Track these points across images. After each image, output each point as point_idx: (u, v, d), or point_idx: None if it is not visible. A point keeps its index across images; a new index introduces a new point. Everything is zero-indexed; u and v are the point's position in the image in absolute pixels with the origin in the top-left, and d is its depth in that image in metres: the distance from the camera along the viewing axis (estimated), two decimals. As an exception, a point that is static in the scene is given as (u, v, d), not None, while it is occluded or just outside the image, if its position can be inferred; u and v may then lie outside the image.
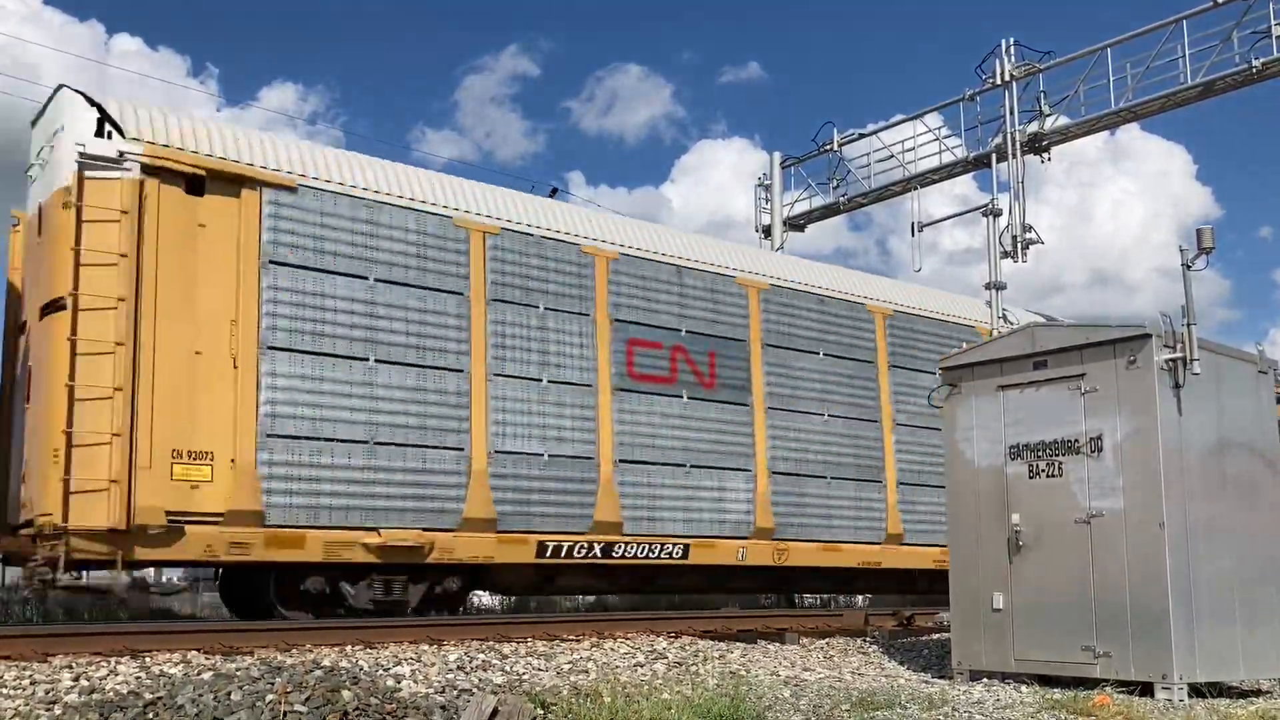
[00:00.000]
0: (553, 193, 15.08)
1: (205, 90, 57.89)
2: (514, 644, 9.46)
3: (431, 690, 6.70)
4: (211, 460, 10.52)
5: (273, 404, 10.85)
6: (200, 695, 5.87)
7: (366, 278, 11.62)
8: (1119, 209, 58.72)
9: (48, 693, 6.11)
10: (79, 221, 10.26)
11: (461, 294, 12.22)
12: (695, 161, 63.79)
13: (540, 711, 6.01)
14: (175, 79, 53.26)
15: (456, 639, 9.57)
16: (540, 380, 12.58)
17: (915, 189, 20.45)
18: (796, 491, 14.55)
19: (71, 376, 10.04)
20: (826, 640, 11.21)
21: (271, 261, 11.03)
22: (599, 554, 12.79)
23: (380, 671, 7.13)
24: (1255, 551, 8.84)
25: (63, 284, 10.20)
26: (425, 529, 11.55)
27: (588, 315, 13.15)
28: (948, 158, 20.51)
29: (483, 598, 17.30)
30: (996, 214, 18.95)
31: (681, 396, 13.73)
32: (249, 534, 10.62)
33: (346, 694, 6.04)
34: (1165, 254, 68.23)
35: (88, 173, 10.35)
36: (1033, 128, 19.05)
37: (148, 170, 10.53)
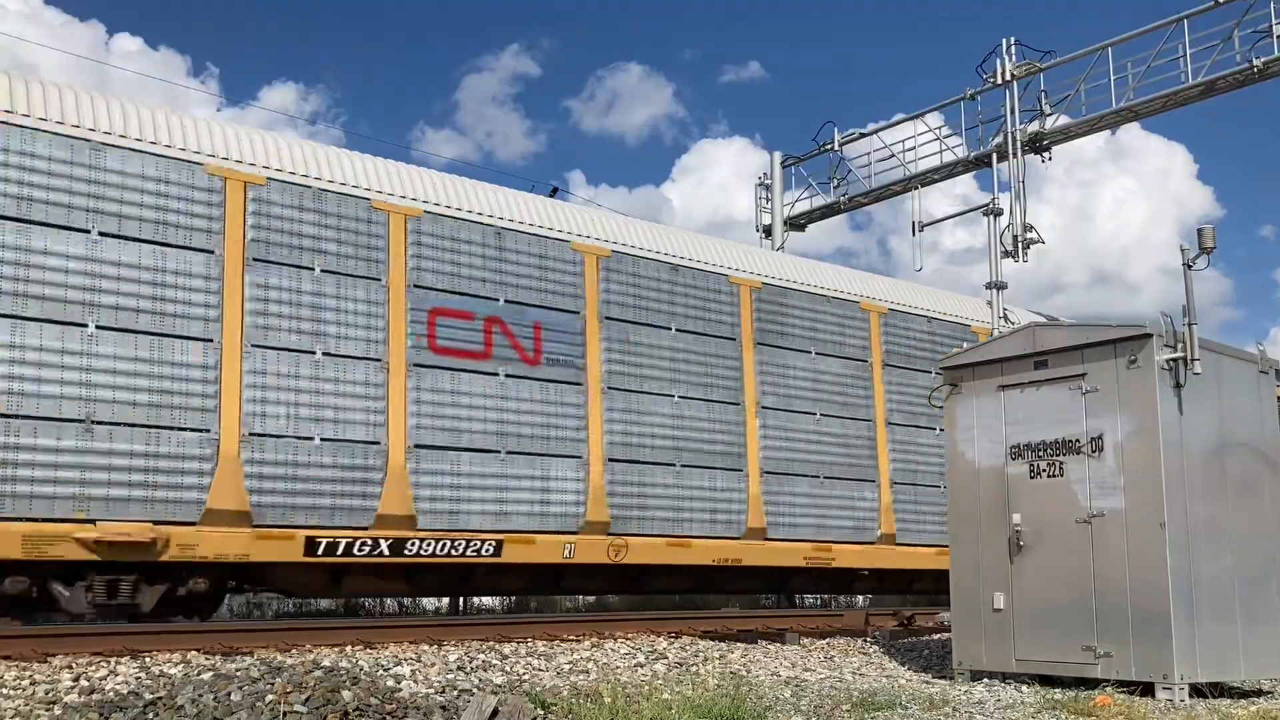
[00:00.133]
0: (553, 192, 15.08)
1: (205, 90, 57.84)
2: (514, 644, 9.46)
3: (432, 690, 6.69)
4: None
5: (-50, 376, 9.43)
6: (200, 695, 5.86)
7: (88, 230, 10.17)
8: (1120, 208, 58.67)
9: (48, 693, 6.11)
10: None
11: (213, 252, 10.75)
12: (696, 161, 63.75)
13: (540, 712, 6.00)
14: (176, 79, 53.21)
15: (457, 639, 9.57)
16: (313, 353, 11.09)
17: (916, 188, 20.43)
18: (638, 481, 13.10)
19: None
20: (827, 640, 11.21)
21: None
22: (386, 551, 11.27)
23: (380, 671, 7.12)
24: (1256, 551, 8.83)
25: None
26: (158, 522, 10.10)
27: (379, 280, 11.63)
28: (948, 157, 20.49)
29: (483, 599, 17.24)
30: (997, 213, 18.93)
31: (498, 374, 12.28)
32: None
33: (346, 694, 6.03)
34: (1166, 253, 68.16)
35: None
36: (1033, 127, 19.03)
37: None
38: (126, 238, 10.38)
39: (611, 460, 12.96)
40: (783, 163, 23.04)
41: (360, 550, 11.12)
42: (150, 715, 5.61)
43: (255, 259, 10.99)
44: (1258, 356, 9.27)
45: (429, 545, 11.52)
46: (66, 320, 9.97)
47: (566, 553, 12.49)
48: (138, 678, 6.55)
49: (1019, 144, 18.91)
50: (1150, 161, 59.52)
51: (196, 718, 5.60)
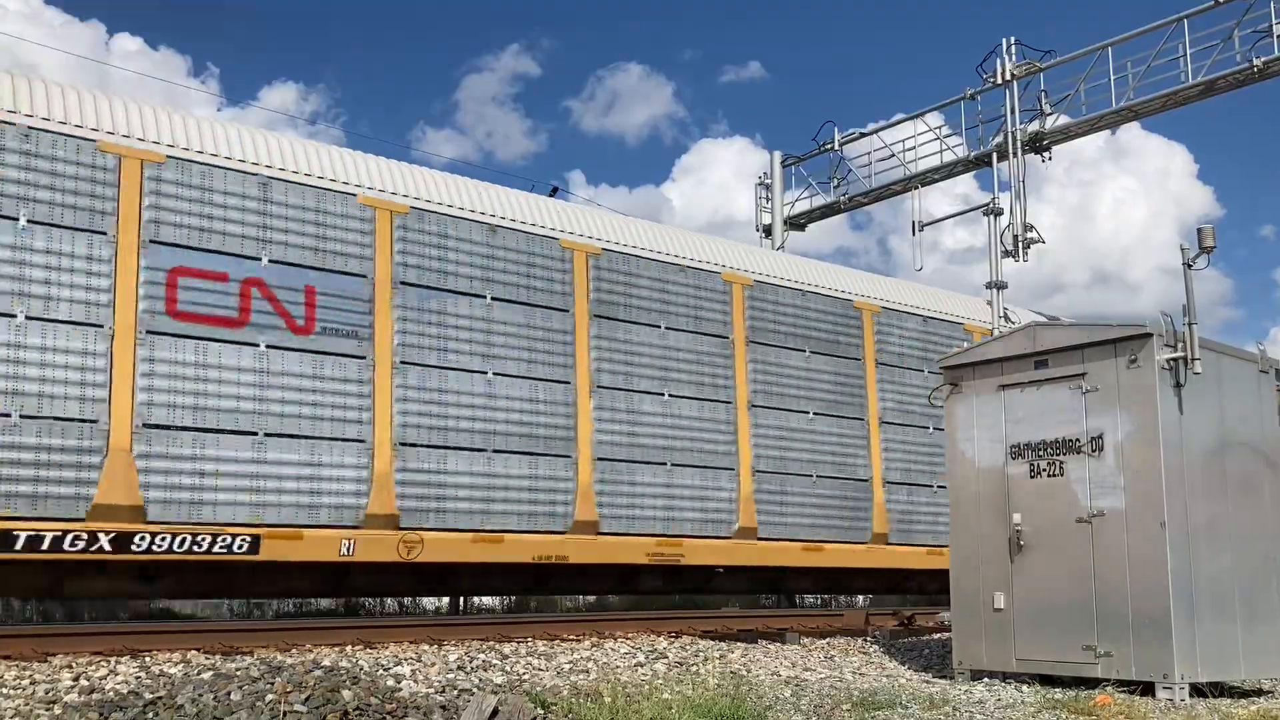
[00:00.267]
0: (553, 192, 15.05)
1: (206, 90, 57.83)
2: (514, 644, 9.46)
3: (432, 690, 6.69)
4: None
5: None
6: (200, 695, 5.86)
7: None
8: (1120, 208, 58.66)
9: (48, 692, 6.11)
10: None
11: None
12: (696, 161, 63.75)
13: (541, 711, 6.00)
14: (176, 79, 53.21)
15: (457, 639, 9.57)
16: (13, 316, 9.67)
17: (916, 188, 20.42)
18: (437, 469, 11.59)
19: None
20: (827, 640, 11.21)
21: None
22: (107, 547, 9.74)
23: (380, 671, 7.12)
24: (1256, 551, 8.83)
25: None
26: None
27: (104, 234, 10.20)
28: (949, 157, 20.48)
29: (483, 598, 17.23)
30: (997, 213, 18.93)
31: (257, 345, 10.77)
32: None
33: (346, 694, 6.03)
34: (1166, 253, 68.14)
35: None
36: (1034, 127, 19.02)
37: None
38: None
39: (404, 445, 11.41)
40: (783, 162, 23.03)
41: (73, 546, 9.62)
42: (150, 715, 5.61)
43: None
44: (1258, 356, 9.27)
45: (163, 541, 9.98)
46: None
47: (345, 550, 10.91)
48: (138, 677, 6.55)
49: (1019, 144, 18.90)
50: (1150, 161, 59.54)
51: (196, 717, 5.60)
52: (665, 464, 13.32)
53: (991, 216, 18.97)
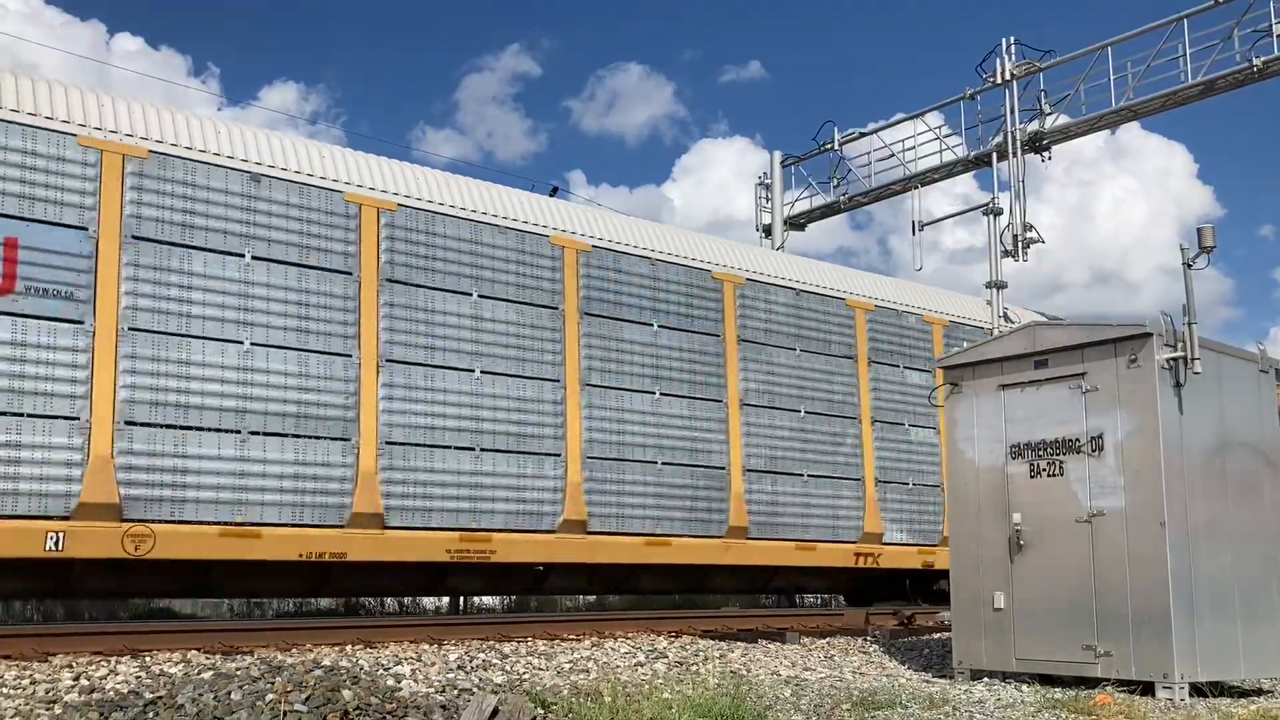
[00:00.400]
0: (553, 192, 15.05)
1: (206, 90, 57.82)
2: (514, 643, 9.46)
3: (432, 690, 6.69)
4: None
5: None
6: (200, 695, 5.86)
7: None
8: (1120, 208, 58.64)
9: (48, 692, 6.11)
10: None
11: None
12: (696, 161, 63.72)
13: (541, 711, 6.00)
14: (177, 79, 53.19)
15: (457, 638, 9.57)
16: None
17: (916, 188, 20.43)
18: (177, 453, 10.12)
19: None
20: (827, 640, 11.21)
21: None
22: None
23: (380, 671, 7.12)
24: (1256, 550, 8.83)
25: None
26: None
27: None
28: (948, 156, 20.48)
29: (483, 599, 17.19)
30: (997, 213, 18.94)
31: None
32: None
33: (346, 693, 6.03)
34: (1166, 253, 68.08)
35: None
36: (1033, 126, 19.02)
37: None
38: None
39: (131, 424, 9.96)
40: (783, 162, 23.04)
41: None
42: (150, 714, 5.61)
43: None
44: (1258, 356, 9.27)
45: None
46: None
47: (51, 544, 9.51)
48: (138, 677, 6.55)
49: (1019, 143, 18.90)
50: (1150, 161, 59.53)
51: (197, 717, 5.60)
52: (473, 449, 11.72)
53: (991, 216, 18.98)
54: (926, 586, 16.35)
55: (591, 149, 65.16)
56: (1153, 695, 7.77)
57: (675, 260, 13.81)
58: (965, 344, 15.37)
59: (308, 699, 5.87)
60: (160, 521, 10.01)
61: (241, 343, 10.62)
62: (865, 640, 11.28)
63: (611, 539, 12.64)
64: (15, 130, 9.83)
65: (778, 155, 23.12)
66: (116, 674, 6.72)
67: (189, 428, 10.24)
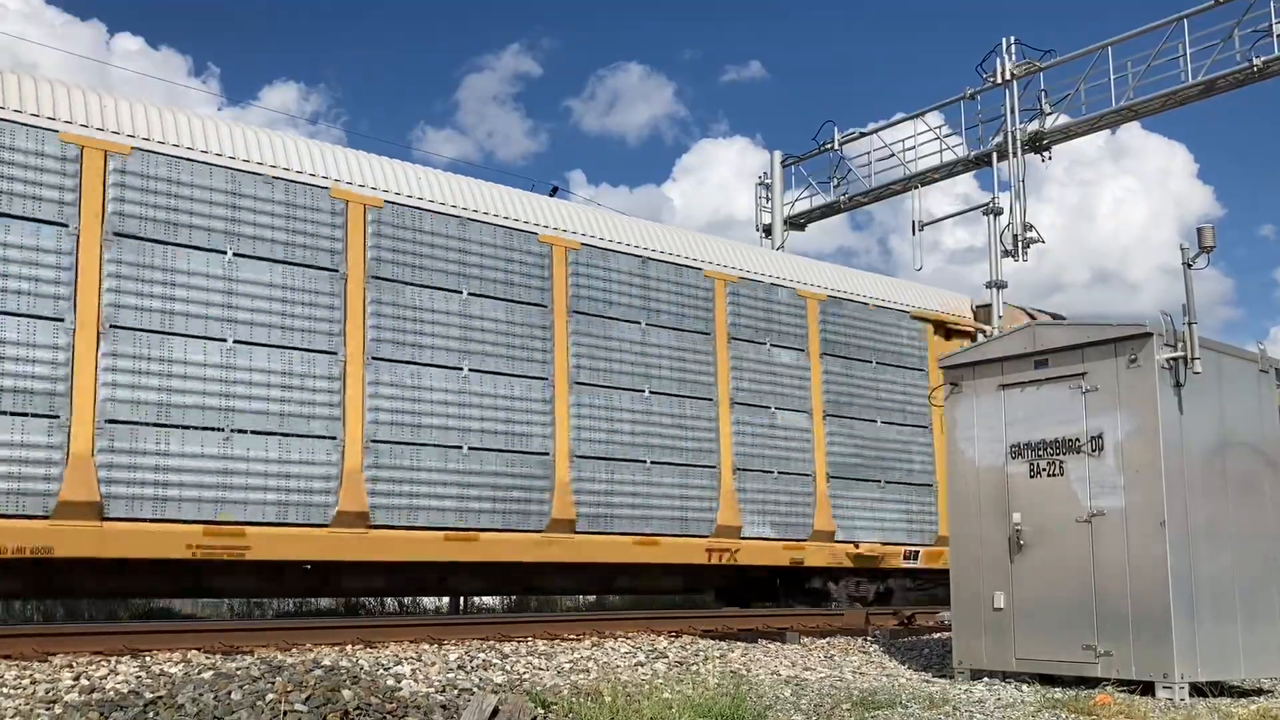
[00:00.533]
0: (553, 192, 15.05)
1: (207, 90, 57.84)
2: (514, 643, 9.46)
3: (432, 689, 6.69)
4: None
5: None
6: (200, 694, 5.86)
7: None
8: (1120, 207, 58.63)
9: (48, 692, 6.11)
10: None
11: None
12: (696, 161, 63.73)
13: (541, 711, 6.00)
14: (177, 79, 53.19)
15: (457, 638, 9.57)
16: None
17: (916, 188, 20.44)
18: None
19: None
20: (827, 639, 11.21)
21: None
22: None
23: (380, 671, 7.12)
24: (1256, 550, 8.83)
25: None
26: None
27: None
28: (948, 156, 20.48)
29: (483, 599, 17.14)
30: (997, 213, 18.94)
31: None
32: None
33: (347, 693, 6.03)
34: (1166, 253, 68.07)
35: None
36: (1033, 126, 19.02)
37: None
38: None
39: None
40: (783, 162, 23.04)
41: None
42: (150, 714, 5.61)
43: None
44: (1258, 356, 9.28)
45: None
46: None
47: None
48: (138, 677, 6.55)
49: (1019, 143, 18.90)
50: (1150, 161, 59.51)
51: (197, 717, 5.61)
52: (222, 430, 10.33)
53: (991, 216, 18.99)
54: (799, 586, 15.13)
55: (592, 149, 65.20)
56: (1153, 695, 7.77)
57: (493, 221, 12.30)
58: (848, 322, 15.18)
59: (308, 699, 5.87)
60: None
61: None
62: (865, 640, 11.29)
63: (406, 534, 11.10)
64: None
65: (778, 155, 23.12)
66: (117, 674, 6.73)
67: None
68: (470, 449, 11.67)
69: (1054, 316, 17.87)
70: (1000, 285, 18.32)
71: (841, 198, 22.09)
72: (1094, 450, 8.38)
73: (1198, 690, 7.91)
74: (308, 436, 10.73)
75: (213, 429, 10.28)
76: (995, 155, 19.26)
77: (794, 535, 14.18)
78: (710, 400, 13.68)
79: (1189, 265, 8.56)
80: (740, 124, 67.92)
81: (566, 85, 64.89)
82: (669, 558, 13.07)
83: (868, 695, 7.18)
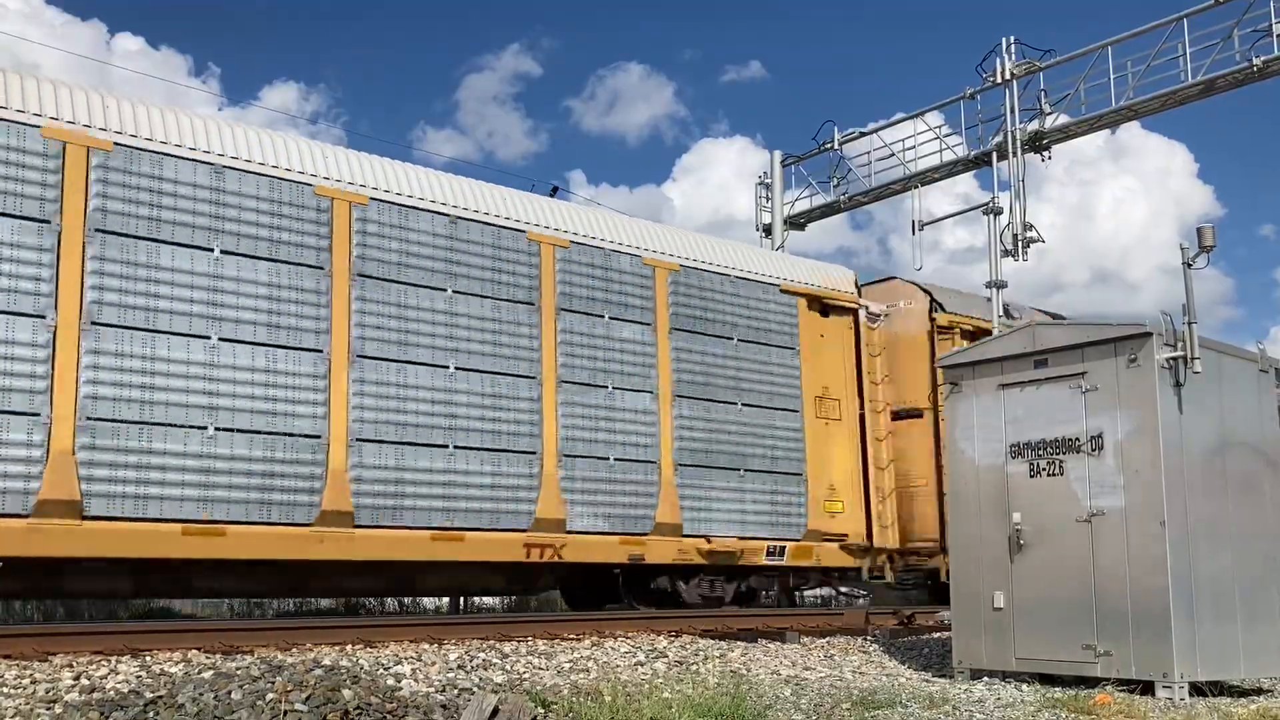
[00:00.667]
0: (553, 191, 15.02)
1: (207, 90, 57.85)
2: (514, 643, 9.46)
3: (432, 689, 6.70)
4: None
5: None
6: (201, 694, 5.86)
7: None
8: (1120, 207, 58.66)
9: (48, 691, 6.11)
10: None
11: None
12: (697, 161, 63.78)
13: (541, 710, 6.01)
14: (177, 79, 53.22)
15: (457, 638, 9.58)
16: None
17: (916, 187, 20.45)
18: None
19: None
20: (827, 639, 11.22)
21: None
22: None
23: (381, 670, 7.12)
24: (1256, 550, 8.83)
25: None
26: None
27: None
28: (948, 156, 20.50)
29: (483, 598, 17.09)
30: (997, 212, 18.95)
31: None
32: None
33: (347, 693, 6.03)
34: (1166, 252, 68.12)
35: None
36: (1033, 126, 19.03)
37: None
38: None
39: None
40: (783, 162, 23.05)
41: None
42: (151, 714, 5.61)
43: None
44: (1258, 355, 9.28)
45: None
46: None
47: None
48: (138, 676, 6.55)
49: (1019, 143, 18.91)
50: (1150, 160, 59.54)
51: (197, 716, 5.61)
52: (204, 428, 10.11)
53: (991, 216, 19.00)
54: (643, 585, 13.58)
55: (592, 149, 65.23)
56: (1152, 695, 7.77)
57: (257, 170, 11.04)
58: (706, 295, 13.67)
59: (308, 698, 5.88)
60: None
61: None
62: (865, 640, 11.29)
63: (132, 527, 9.77)
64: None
65: (778, 155, 23.14)
66: (117, 673, 6.72)
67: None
68: (218, 430, 10.28)
69: (1054, 316, 17.85)
70: (1000, 285, 18.33)
71: (841, 198, 22.10)
72: (1094, 450, 8.38)
73: (1197, 690, 7.91)
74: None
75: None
76: (995, 155, 19.27)
77: (633, 529, 12.64)
78: (533, 378, 12.15)
79: (1189, 265, 8.56)
80: (740, 124, 67.96)
81: (566, 85, 64.97)
82: (477, 555, 11.56)
83: (868, 695, 7.18)
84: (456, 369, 11.66)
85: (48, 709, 5.68)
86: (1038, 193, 74.04)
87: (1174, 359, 8.27)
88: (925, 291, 16.55)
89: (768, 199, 23.04)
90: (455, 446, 11.51)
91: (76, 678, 6.57)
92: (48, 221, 9.70)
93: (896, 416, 16.03)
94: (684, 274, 13.64)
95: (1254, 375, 9.21)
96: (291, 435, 10.60)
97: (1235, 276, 67.45)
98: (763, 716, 6.22)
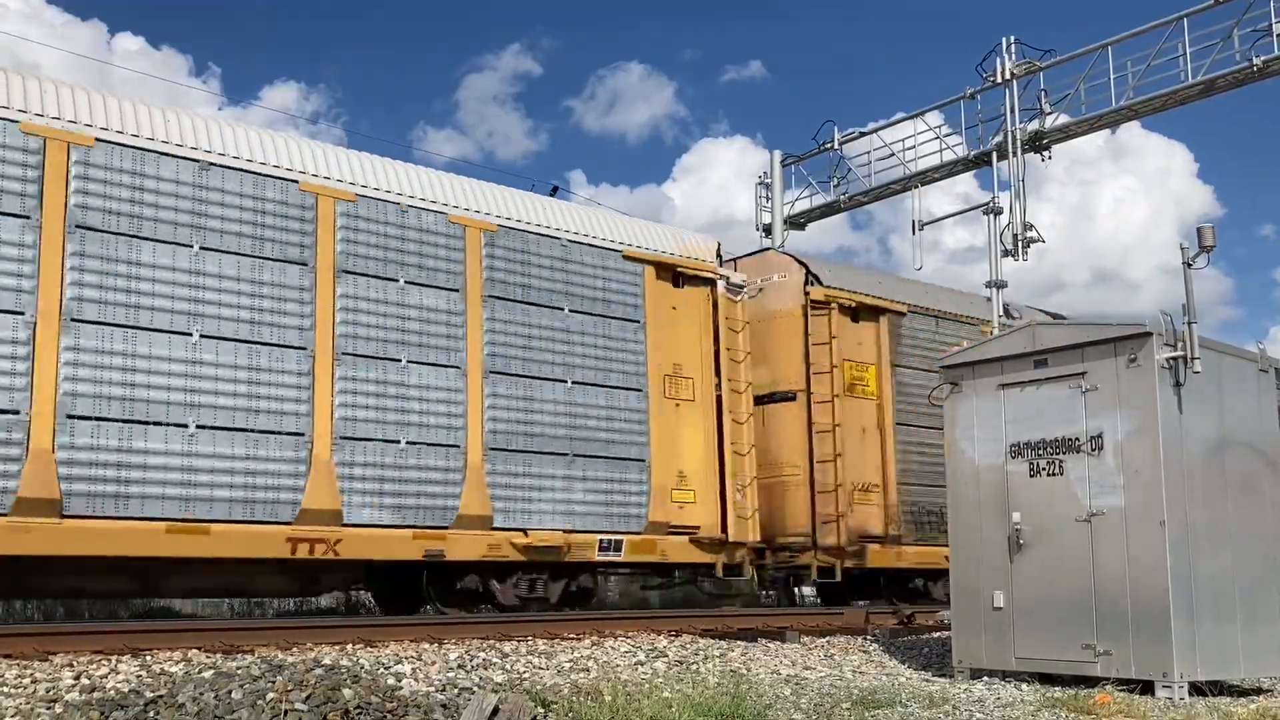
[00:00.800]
0: (553, 191, 15.02)
1: (207, 90, 57.86)
2: (515, 643, 9.47)
3: (432, 689, 6.70)
4: None
5: None
6: (201, 694, 5.87)
7: None
8: (1120, 207, 58.71)
9: (48, 691, 6.11)
10: None
11: None
12: (697, 160, 63.84)
13: (541, 710, 6.01)
14: (178, 79, 53.24)
15: (457, 638, 9.59)
16: None
17: (916, 187, 20.43)
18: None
19: None
20: (827, 639, 11.22)
21: None
22: None
23: (381, 670, 7.13)
24: (1256, 550, 8.83)
25: None
26: None
27: None
28: (948, 156, 20.48)
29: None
30: (997, 212, 18.94)
31: None
32: None
33: (347, 692, 6.04)
34: (1166, 252, 68.20)
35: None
36: (1033, 126, 19.02)
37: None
38: None
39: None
40: (783, 162, 23.04)
41: None
42: (151, 713, 5.61)
43: None
44: (1258, 355, 9.28)
45: None
46: None
47: None
48: (139, 676, 6.56)
49: (1019, 143, 18.90)
50: (1150, 160, 59.57)
51: (197, 716, 5.61)
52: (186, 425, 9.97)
53: (991, 216, 18.98)
54: (449, 585, 12.22)
55: (592, 148, 65.26)
56: (1152, 694, 7.77)
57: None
58: (529, 259, 12.43)
59: (308, 698, 5.88)
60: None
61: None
62: (865, 639, 11.30)
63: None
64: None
65: (778, 155, 23.12)
66: (117, 673, 6.73)
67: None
68: None
69: (1054, 316, 17.85)
70: (1000, 285, 18.33)
71: (841, 197, 22.09)
72: (1094, 450, 8.39)
73: (1197, 689, 7.92)
74: None
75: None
76: (995, 155, 19.26)
77: (432, 521, 11.37)
78: (303, 349, 10.91)
79: (1189, 265, 8.56)
80: (740, 124, 67.98)
81: (566, 85, 65.00)
82: (225, 550, 10.26)
83: (867, 694, 7.19)
84: (201, 336, 10.41)
85: (48, 708, 5.68)
86: (1038, 193, 74.12)
87: (1174, 359, 8.27)
88: (800, 263, 15.55)
89: (768, 199, 23.03)
90: (198, 426, 10.25)
91: (77, 677, 6.58)
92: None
93: (767, 399, 14.88)
94: (502, 235, 12.31)
95: (1254, 375, 9.21)
96: None
97: (1235, 276, 67.51)
98: (763, 716, 6.22)
